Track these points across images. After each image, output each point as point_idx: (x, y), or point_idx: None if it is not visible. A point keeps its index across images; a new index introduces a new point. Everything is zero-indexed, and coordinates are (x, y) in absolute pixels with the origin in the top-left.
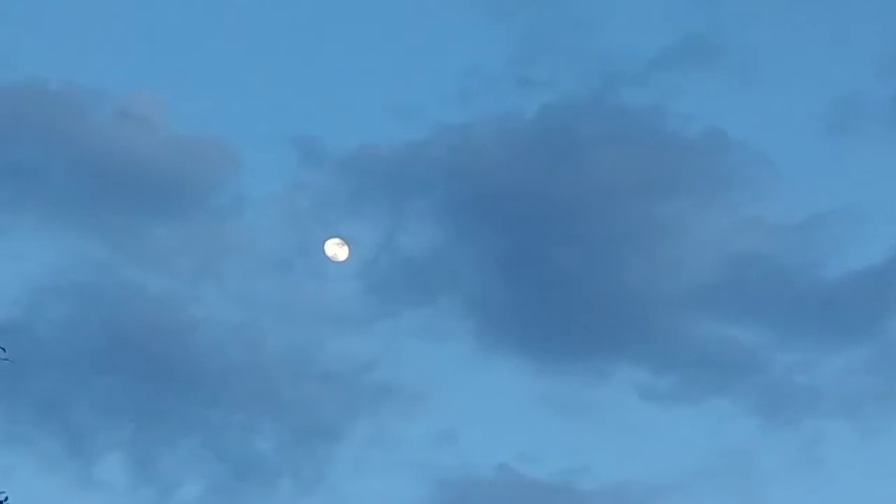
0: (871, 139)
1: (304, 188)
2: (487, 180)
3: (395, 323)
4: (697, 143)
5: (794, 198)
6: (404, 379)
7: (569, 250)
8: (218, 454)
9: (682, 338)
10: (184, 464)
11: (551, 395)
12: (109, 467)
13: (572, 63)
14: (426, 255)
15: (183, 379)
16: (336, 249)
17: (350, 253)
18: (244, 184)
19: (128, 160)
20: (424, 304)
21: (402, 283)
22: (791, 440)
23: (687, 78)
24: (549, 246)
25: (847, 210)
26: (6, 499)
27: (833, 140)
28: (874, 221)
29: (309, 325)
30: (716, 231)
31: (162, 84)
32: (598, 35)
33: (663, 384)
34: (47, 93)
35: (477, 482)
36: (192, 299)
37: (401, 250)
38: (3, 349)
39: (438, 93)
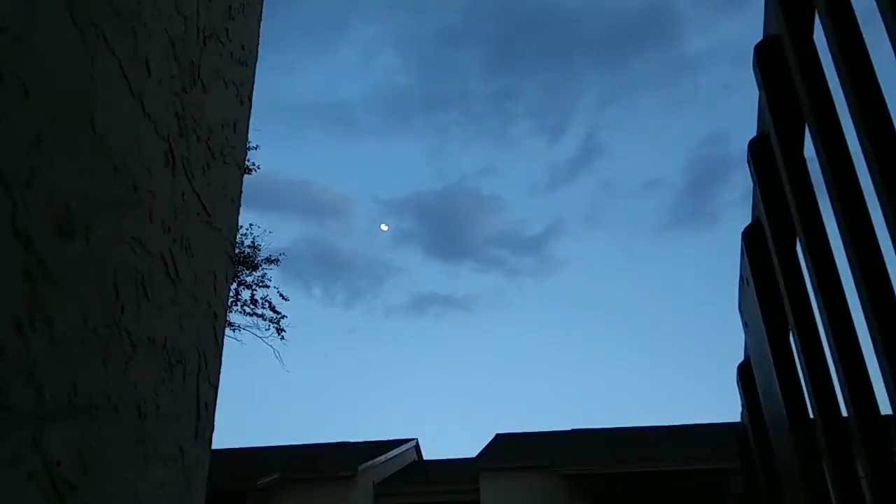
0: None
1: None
2: (423, 208)
3: (410, 247)
4: (490, 198)
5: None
6: None
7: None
8: None
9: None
10: None
11: None
12: None
13: (450, 174)
14: (413, 228)
15: None
16: (383, 227)
17: (388, 228)
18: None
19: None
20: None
21: (405, 235)
22: None
23: (488, 179)
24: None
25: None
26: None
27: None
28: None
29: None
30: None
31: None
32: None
33: None
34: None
35: None
36: None
37: (402, 227)
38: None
39: (419, 182)
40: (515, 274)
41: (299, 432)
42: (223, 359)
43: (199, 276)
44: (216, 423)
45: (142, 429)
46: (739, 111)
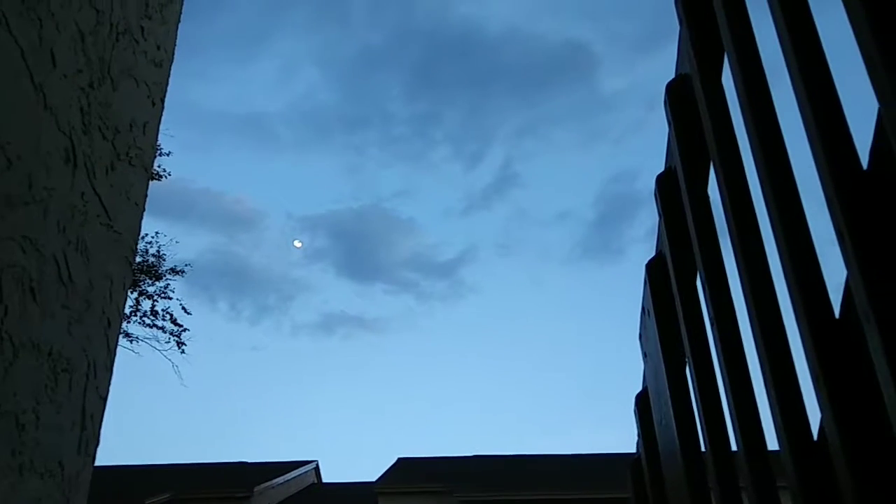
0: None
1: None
2: (338, 226)
3: (322, 265)
4: (406, 221)
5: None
6: None
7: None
8: None
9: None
10: None
11: None
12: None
13: (367, 194)
14: (327, 247)
15: None
16: (297, 244)
17: (302, 245)
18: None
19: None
20: (323, 258)
21: (318, 253)
22: None
23: (405, 202)
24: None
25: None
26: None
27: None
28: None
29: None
30: (407, 251)
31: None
32: (374, 186)
33: None
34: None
35: None
36: None
37: (315, 245)
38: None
39: (335, 200)
40: (426, 298)
41: (195, 451)
42: (115, 370)
43: (94, 281)
44: (104, 438)
45: (19, 440)
46: (649, 151)
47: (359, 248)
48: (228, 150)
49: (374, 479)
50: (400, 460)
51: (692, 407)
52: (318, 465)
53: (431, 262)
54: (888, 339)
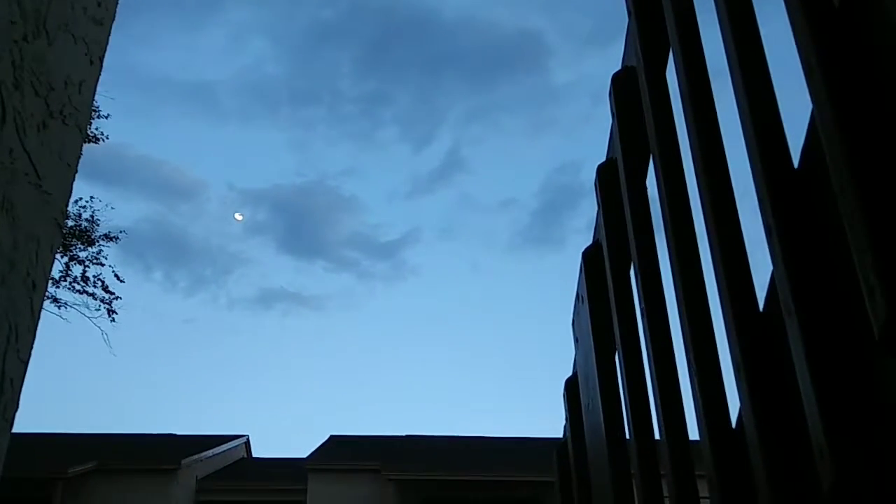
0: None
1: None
2: (281, 201)
3: (263, 239)
4: (350, 200)
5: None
6: None
7: None
8: None
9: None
10: None
11: None
12: None
13: (312, 171)
14: (268, 221)
15: None
16: (238, 217)
17: (243, 218)
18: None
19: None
20: (264, 232)
21: (259, 227)
22: None
23: (350, 181)
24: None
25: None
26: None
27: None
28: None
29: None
30: (350, 230)
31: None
32: (319, 163)
33: None
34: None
35: None
36: None
37: (256, 219)
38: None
39: (278, 174)
40: (367, 277)
41: (123, 421)
42: (40, 335)
43: (19, 242)
44: (25, 404)
45: None
46: (594, 145)
47: (301, 224)
48: (171, 117)
49: (305, 455)
50: (332, 438)
51: (619, 394)
52: (248, 439)
53: (374, 242)
54: (807, 332)
